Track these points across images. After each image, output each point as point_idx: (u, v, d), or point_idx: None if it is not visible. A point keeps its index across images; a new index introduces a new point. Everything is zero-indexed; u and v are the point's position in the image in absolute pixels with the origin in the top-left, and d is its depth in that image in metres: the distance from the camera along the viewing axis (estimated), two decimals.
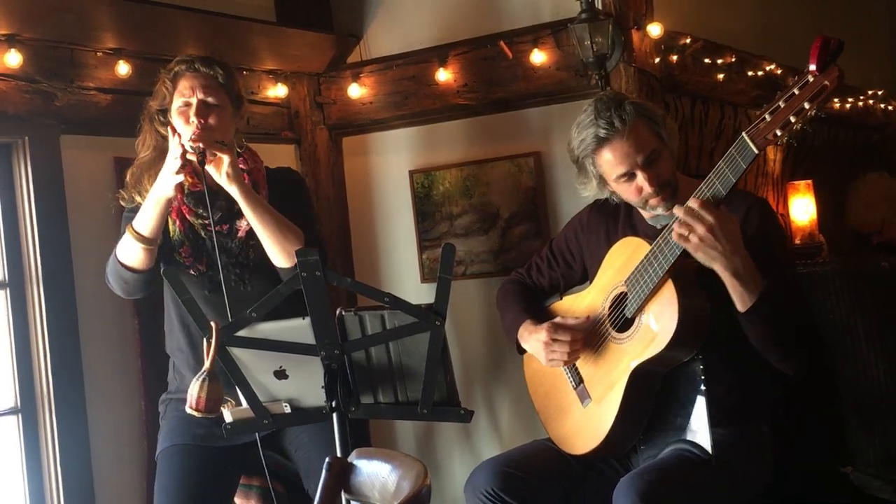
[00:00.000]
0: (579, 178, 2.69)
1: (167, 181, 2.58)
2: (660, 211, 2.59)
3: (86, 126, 3.17)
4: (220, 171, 2.62)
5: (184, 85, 2.69)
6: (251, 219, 2.66)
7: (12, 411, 3.01)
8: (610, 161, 2.56)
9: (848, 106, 5.98)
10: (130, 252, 2.67)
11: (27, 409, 3.02)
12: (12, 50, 2.89)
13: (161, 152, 2.71)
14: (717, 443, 2.45)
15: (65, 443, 3.00)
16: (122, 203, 2.79)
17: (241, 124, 2.83)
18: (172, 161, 2.57)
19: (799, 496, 2.98)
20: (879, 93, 6.57)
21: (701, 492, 2.44)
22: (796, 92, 2.21)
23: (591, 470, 2.65)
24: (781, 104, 2.23)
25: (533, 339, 2.70)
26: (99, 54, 3.17)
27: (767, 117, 2.24)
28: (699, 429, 2.47)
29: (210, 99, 2.69)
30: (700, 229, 2.27)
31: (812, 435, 3.13)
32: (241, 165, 2.74)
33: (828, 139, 5.93)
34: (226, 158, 2.61)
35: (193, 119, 2.65)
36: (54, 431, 3.00)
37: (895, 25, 7.23)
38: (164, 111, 2.73)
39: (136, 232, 2.65)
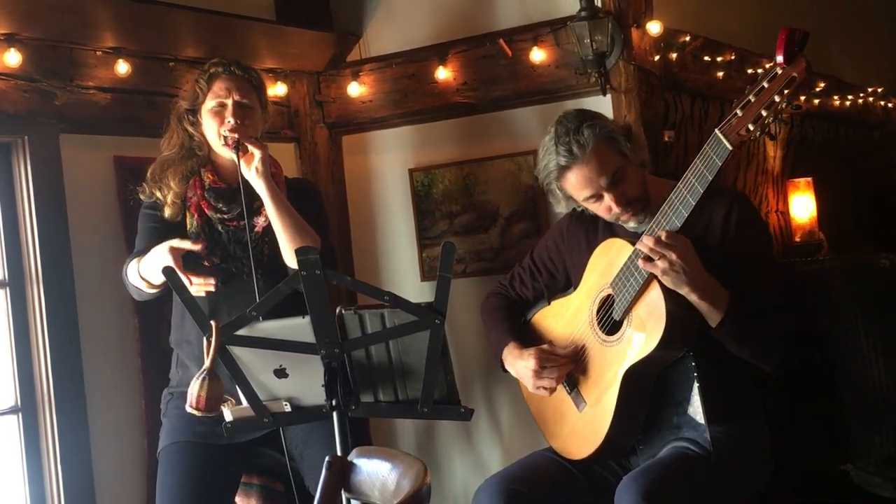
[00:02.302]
0: (549, 198, 2.71)
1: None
2: (632, 225, 2.61)
3: (85, 125, 3.17)
4: (250, 166, 2.70)
5: (219, 86, 2.80)
6: (273, 216, 2.72)
7: (12, 410, 3.01)
8: (574, 185, 2.57)
9: (848, 103, 5.99)
10: (140, 287, 2.75)
11: (27, 408, 3.02)
12: (12, 49, 2.89)
13: (188, 151, 2.83)
14: (715, 439, 2.45)
15: (65, 442, 3.00)
16: (142, 197, 2.85)
17: (265, 127, 2.93)
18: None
19: (799, 493, 2.98)
20: (879, 90, 6.58)
21: (703, 488, 2.44)
22: (765, 85, 2.21)
23: (591, 475, 2.65)
24: (752, 98, 2.23)
25: (519, 364, 2.70)
26: (98, 53, 3.17)
27: (739, 112, 2.24)
28: (696, 425, 2.47)
29: (245, 101, 2.80)
30: (670, 255, 2.32)
31: (812, 432, 3.13)
32: None
33: (828, 137, 5.93)
34: (257, 153, 2.71)
35: (230, 119, 2.75)
36: (54, 430, 3.00)
37: (895, 23, 7.23)
38: (194, 111, 2.83)
39: (144, 279, 2.72)
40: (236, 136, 2.71)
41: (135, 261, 2.75)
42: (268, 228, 2.78)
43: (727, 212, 2.53)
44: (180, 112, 2.85)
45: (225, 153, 2.78)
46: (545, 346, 2.68)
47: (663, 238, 2.35)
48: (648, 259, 2.37)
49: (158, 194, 2.80)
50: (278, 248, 2.75)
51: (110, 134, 3.25)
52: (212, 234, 2.80)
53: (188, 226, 2.80)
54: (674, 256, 2.32)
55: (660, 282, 2.40)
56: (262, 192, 2.72)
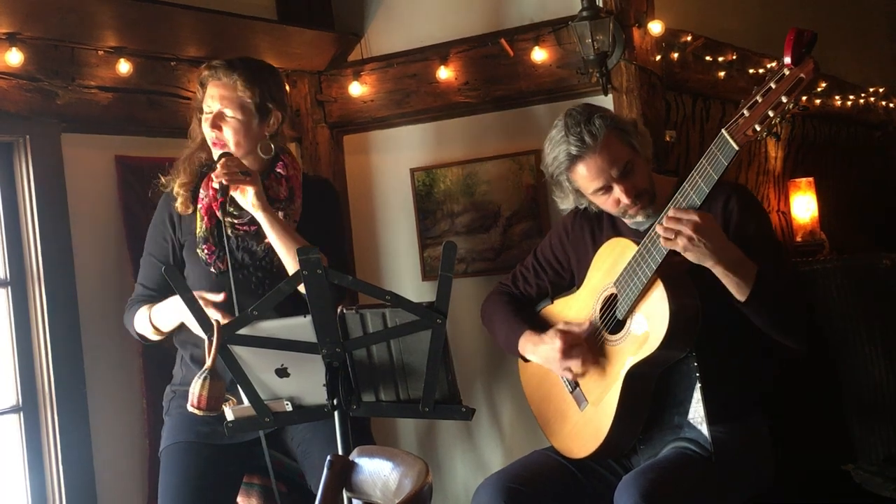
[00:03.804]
0: (556, 192, 2.70)
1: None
2: (639, 219, 2.60)
3: (87, 124, 3.17)
4: (246, 201, 2.66)
5: (209, 93, 2.75)
6: (277, 245, 2.68)
7: (14, 409, 3.01)
8: (585, 176, 2.56)
9: (849, 103, 5.98)
10: (150, 336, 2.77)
11: (29, 407, 3.02)
12: (13, 48, 2.89)
13: (201, 144, 2.81)
14: (716, 440, 2.45)
15: (66, 440, 3.01)
16: (162, 188, 2.85)
17: (272, 130, 2.80)
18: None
19: (800, 493, 2.98)
20: (880, 90, 6.57)
21: (702, 489, 2.44)
22: (773, 86, 2.21)
23: (592, 474, 2.65)
24: (759, 99, 2.23)
25: (543, 347, 2.65)
26: (100, 53, 3.18)
27: (746, 113, 2.25)
28: (697, 426, 2.47)
29: (227, 110, 2.72)
30: (686, 231, 2.30)
31: (813, 432, 3.13)
32: (279, 170, 2.79)
33: (829, 137, 5.93)
34: (250, 190, 2.65)
35: (208, 130, 2.72)
36: (56, 429, 3.00)
37: (895, 22, 7.23)
38: (201, 109, 2.81)
39: (154, 326, 2.73)
40: (223, 181, 2.60)
41: (145, 308, 2.74)
42: None
43: (725, 202, 2.54)
44: (194, 109, 2.84)
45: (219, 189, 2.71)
46: (562, 326, 2.65)
47: (672, 214, 2.33)
48: (669, 239, 2.34)
49: (173, 184, 2.80)
50: None
51: (112, 133, 3.25)
52: (220, 239, 2.75)
53: (198, 229, 2.77)
54: (688, 231, 2.30)
55: (664, 281, 2.40)
56: (263, 223, 2.67)
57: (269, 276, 2.74)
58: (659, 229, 2.36)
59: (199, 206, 2.77)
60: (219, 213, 2.75)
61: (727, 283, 2.37)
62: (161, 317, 2.74)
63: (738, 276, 2.36)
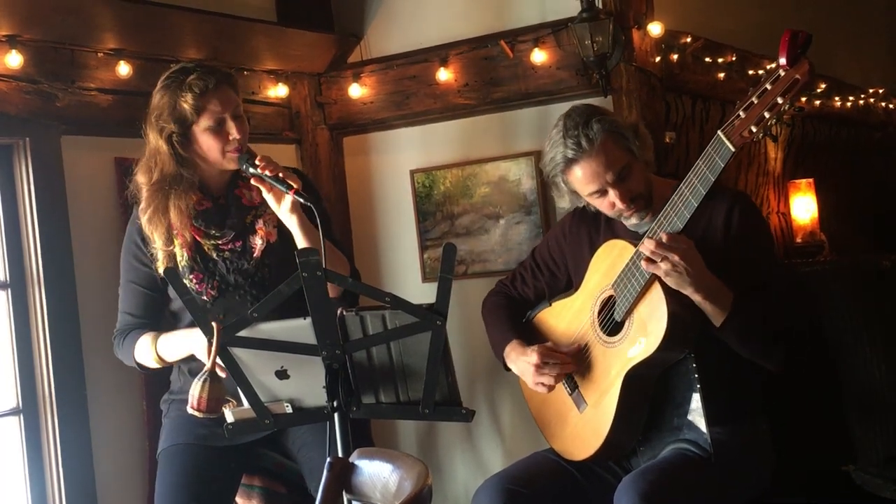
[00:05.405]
0: (553, 191, 2.70)
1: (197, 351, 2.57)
2: (633, 221, 2.61)
3: (87, 127, 3.17)
4: (281, 203, 2.56)
5: (215, 102, 2.58)
6: (304, 244, 2.57)
7: (14, 412, 3.01)
8: (580, 179, 2.57)
9: (849, 104, 5.99)
10: (151, 365, 2.72)
11: (29, 409, 3.02)
12: (13, 51, 2.89)
13: (190, 185, 2.63)
14: (715, 441, 2.45)
15: (66, 443, 3.01)
16: (156, 252, 2.66)
17: None
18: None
19: (800, 494, 2.98)
20: (880, 91, 6.58)
21: (703, 489, 2.44)
22: (768, 87, 2.21)
23: (591, 476, 2.65)
24: (755, 100, 2.23)
25: (522, 360, 2.69)
26: (100, 55, 3.18)
27: (742, 114, 2.25)
28: (696, 427, 2.47)
29: (239, 110, 2.65)
30: (673, 258, 2.32)
31: (813, 433, 3.13)
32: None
33: (829, 138, 5.93)
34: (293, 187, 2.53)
35: (236, 136, 2.59)
36: (56, 432, 3.00)
37: (895, 24, 7.23)
38: (186, 132, 2.61)
39: (160, 357, 2.67)
40: (280, 174, 2.49)
41: (147, 337, 2.67)
42: (267, 249, 2.67)
43: (728, 211, 2.53)
44: (168, 134, 2.60)
45: (229, 165, 2.63)
46: (549, 344, 2.68)
47: (664, 240, 2.35)
48: (651, 261, 2.37)
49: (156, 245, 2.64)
50: (280, 268, 2.64)
51: (111, 136, 3.25)
52: (205, 263, 2.66)
53: (178, 257, 2.65)
54: (676, 258, 2.32)
55: (662, 283, 2.40)
56: (294, 227, 2.58)
57: (264, 292, 2.62)
58: (643, 248, 2.37)
59: (174, 232, 2.63)
60: (200, 239, 2.66)
61: (703, 309, 2.40)
62: (168, 348, 2.65)
63: (715, 304, 2.39)
